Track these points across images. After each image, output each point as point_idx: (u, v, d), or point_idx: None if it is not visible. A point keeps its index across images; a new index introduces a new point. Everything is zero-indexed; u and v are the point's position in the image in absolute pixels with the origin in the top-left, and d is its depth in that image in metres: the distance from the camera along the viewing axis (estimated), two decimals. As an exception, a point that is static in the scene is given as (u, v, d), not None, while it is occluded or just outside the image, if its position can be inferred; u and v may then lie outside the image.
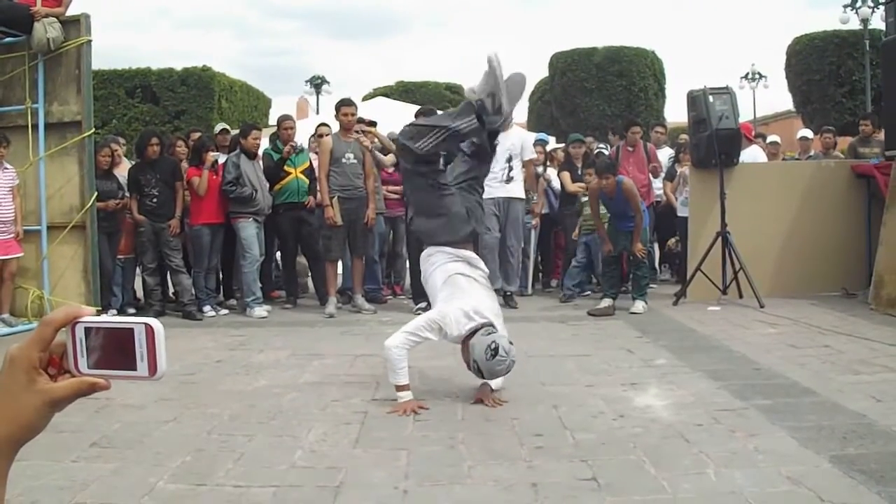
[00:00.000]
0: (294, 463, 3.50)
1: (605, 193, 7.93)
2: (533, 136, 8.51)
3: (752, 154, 9.70)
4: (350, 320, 7.75)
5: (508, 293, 8.49)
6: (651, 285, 8.70)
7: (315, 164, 8.65)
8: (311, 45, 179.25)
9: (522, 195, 8.71)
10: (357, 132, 8.41)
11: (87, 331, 0.89)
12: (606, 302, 7.96)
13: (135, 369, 0.88)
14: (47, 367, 0.89)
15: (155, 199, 8.13)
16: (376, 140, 8.96)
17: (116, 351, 0.88)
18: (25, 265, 7.61)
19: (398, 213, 9.09)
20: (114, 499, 3.08)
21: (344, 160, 8.13)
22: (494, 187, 8.18)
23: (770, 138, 11.39)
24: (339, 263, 8.67)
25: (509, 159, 8.35)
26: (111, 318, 0.90)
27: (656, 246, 10.75)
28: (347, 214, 8.11)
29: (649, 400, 4.50)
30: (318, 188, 8.38)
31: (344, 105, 8.37)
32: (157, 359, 0.88)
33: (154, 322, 0.88)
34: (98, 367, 0.89)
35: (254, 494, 3.12)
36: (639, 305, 7.90)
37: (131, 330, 0.88)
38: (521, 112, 35.84)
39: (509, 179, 8.43)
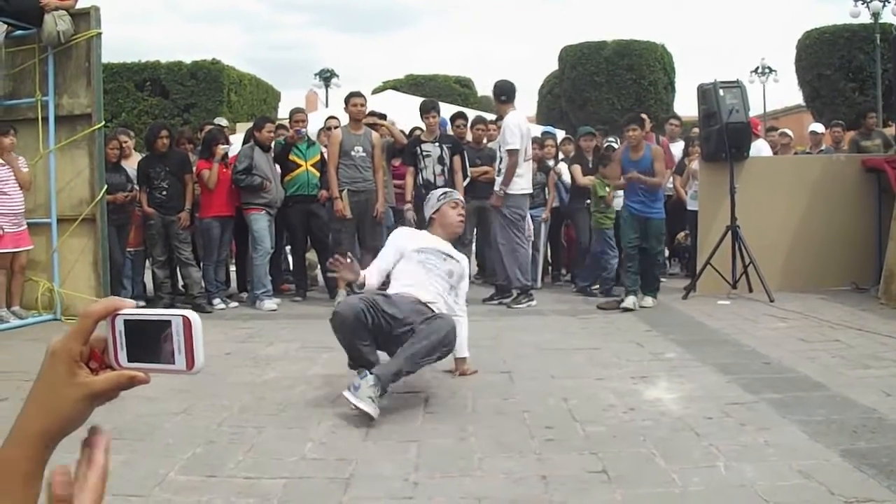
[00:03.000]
0: (304, 455, 3.51)
1: (630, 157, 7.79)
2: (519, 122, 8.25)
3: (758, 148, 9.68)
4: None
5: (519, 288, 8.12)
6: (661, 279, 8.67)
7: (326, 157, 8.67)
8: (319, 39, 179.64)
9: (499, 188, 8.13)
10: (368, 125, 8.43)
11: (127, 323, 0.88)
12: (630, 300, 7.69)
13: (173, 363, 0.87)
14: (88, 360, 0.88)
15: (164, 192, 8.15)
16: (387, 134, 8.99)
17: (155, 344, 0.87)
18: (36, 258, 7.63)
19: (402, 207, 9.04)
20: (125, 490, 3.08)
21: (353, 153, 8.14)
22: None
23: (781, 130, 11.42)
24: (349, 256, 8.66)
25: (499, 148, 8.24)
26: (150, 311, 0.89)
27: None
28: (357, 207, 8.12)
29: (659, 393, 4.49)
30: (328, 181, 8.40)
31: (354, 97, 8.37)
32: (194, 352, 0.86)
33: (191, 314, 0.87)
34: (137, 360, 0.88)
35: (264, 486, 3.13)
36: (647, 300, 7.86)
37: (169, 322, 0.87)
38: (530, 106, 35.80)
39: (498, 171, 8.18)
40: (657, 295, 8.01)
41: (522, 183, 8.08)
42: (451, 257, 4.92)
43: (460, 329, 4.97)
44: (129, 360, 0.88)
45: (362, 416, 3.93)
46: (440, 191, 5.40)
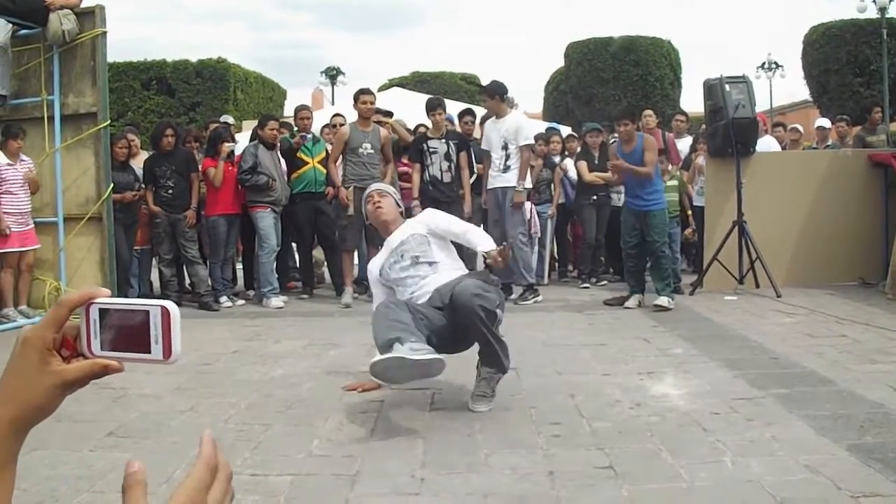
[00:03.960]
0: (311, 452, 3.52)
1: (623, 150, 7.68)
2: (528, 120, 8.32)
3: (767, 143, 9.65)
4: (366, 310, 7.69)
5: (525, 285, 8.15)
6: (677, 276, 8.61)
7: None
8: (325, 37, 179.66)
9: (514, 183, 8.10)
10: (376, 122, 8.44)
11: (102, 312, 0.87)
12: (636, 299, 7.66)
13: (149, 352, 0.86)
14: (61, 348, 0.88)
15: (170, 191, 8.17)
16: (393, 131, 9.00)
17: (131, 333, 0.87)
18: (42, 256, 7.66)
19: (409, 204, 9.00)
20: (132, 487, 3.09)
21: (361, 150, 8.13)
22: (493, 177, 8.15)
23: (792, 126, 11.40)
24: (356, 253, 8.67)
25: (505, 146, 8.13)
26: (126, 300, 0.88)
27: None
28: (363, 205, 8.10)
29: (666, 389, 4.49)
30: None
31: (362, 94, 8.37)
32: (171, 342, 0.86)
33: (170, 304, 0.86)
34: (111, 349, 0.87)
35: (271, 483, 3.14)
36: (662, 299, 7.59)
37: (146, 312, 0.86)
38: (536, 102, 35.77)
39: (506, 168, 8.12)
40: (673, 294, 7.70)
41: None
42: (403, 242, 4.59)
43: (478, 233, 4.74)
44: (103, 349, 0.88)
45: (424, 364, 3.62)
46: None
